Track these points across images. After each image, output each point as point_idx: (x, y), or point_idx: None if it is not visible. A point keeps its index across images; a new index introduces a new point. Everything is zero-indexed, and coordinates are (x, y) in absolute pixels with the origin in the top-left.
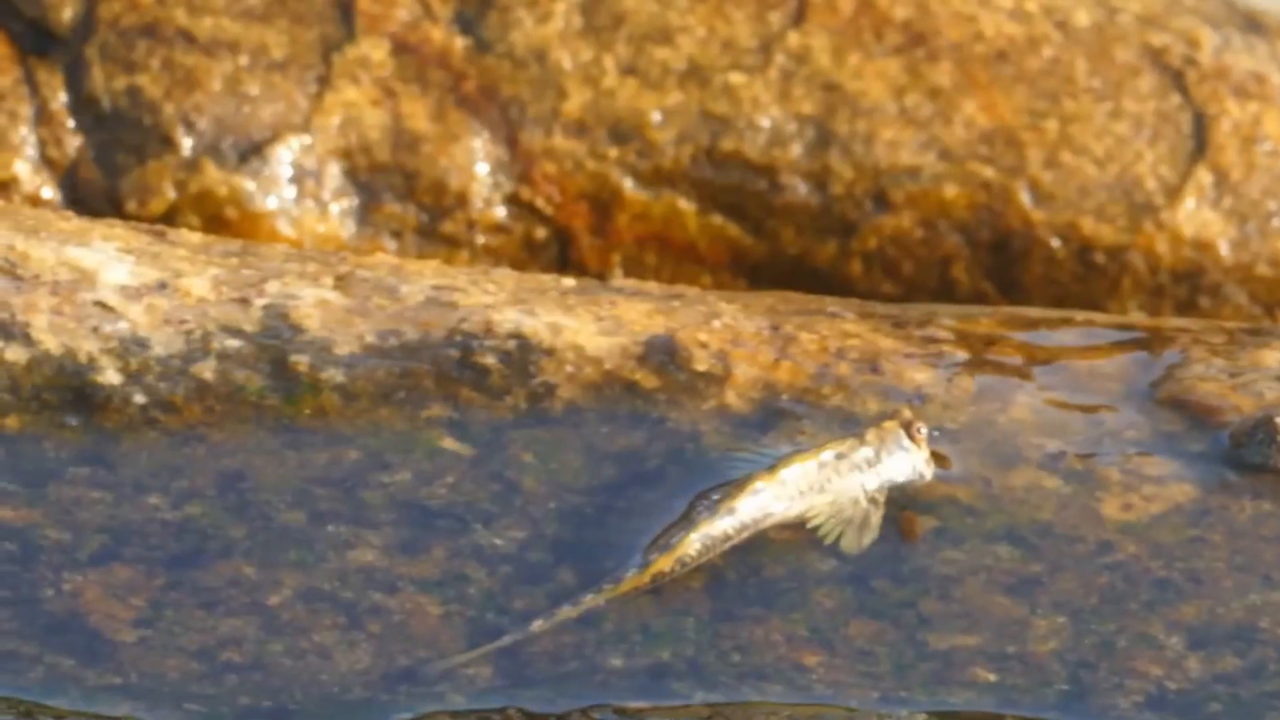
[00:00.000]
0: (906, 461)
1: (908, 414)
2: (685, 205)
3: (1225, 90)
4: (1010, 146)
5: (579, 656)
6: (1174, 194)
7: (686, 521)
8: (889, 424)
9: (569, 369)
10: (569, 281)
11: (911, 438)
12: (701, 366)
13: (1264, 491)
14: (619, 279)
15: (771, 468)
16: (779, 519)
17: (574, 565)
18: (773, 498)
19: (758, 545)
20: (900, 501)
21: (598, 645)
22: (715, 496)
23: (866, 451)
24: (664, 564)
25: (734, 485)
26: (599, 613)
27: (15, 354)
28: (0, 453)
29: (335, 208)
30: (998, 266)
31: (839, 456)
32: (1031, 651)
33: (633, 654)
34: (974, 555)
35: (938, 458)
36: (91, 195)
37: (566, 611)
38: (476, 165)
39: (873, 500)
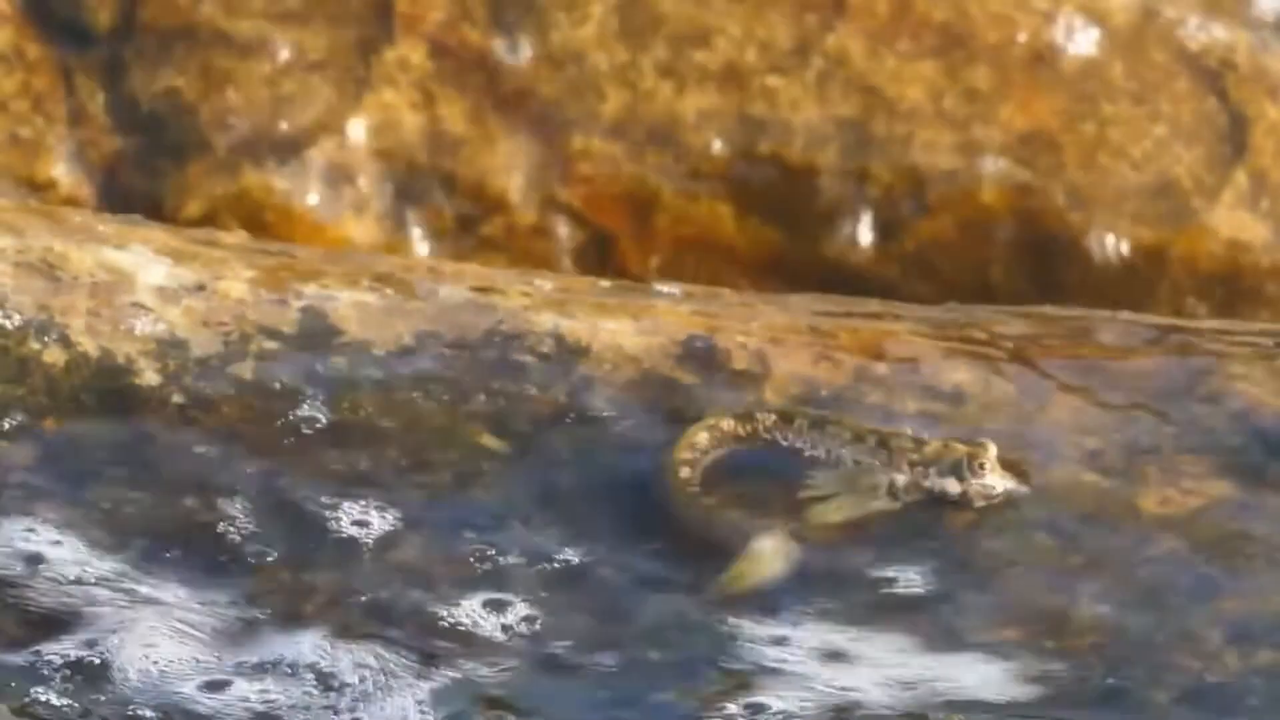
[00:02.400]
0: (951, 487)
1: (980, 450)
2: (723, 208)
3: (1263, 92)
4: (1048, 149)
5: (617, 651)
6: (1212, 196)
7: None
8: (956, 447)
9: (607, 369)
10: (607, 283)
11: (969, 470)
12: (740, 366)
13: None
14: (657, 281)
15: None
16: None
17: (613, 562)
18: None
19: (795, 541)
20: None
21: (636, 640)
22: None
23: (913, 456)
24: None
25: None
26: (638, 609)
27: (54, 355)
28: (39, 453)
29: (372, 209)
30: (1036, 269)
31: (880, 442)
32: (1070, 645)
33: (670, 648)
34: (1012, 549)
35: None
36: (130, 197)
37: None
38: (514, 168)
39: (891, 494)
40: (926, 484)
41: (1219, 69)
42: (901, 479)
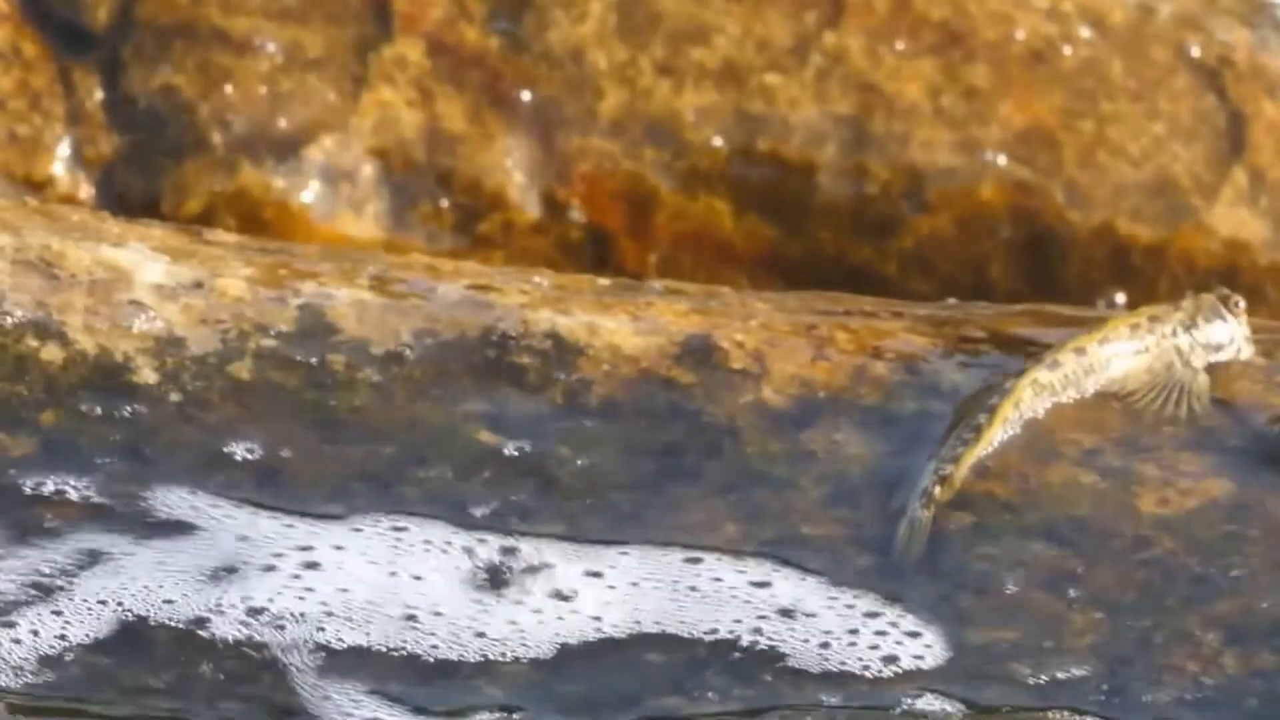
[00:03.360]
0: (1224, 331)
1: (1224, 290)
2: (721, 205)
3: (1261, 90)
4: (1046, 147)
5: (616, 651)
6: (1210, 194)
7: (1013, 375)
8: (1205, 295)
9: (605, 368)
10: (605, 281)
11: (1229, 310)
12: (738, 365)
13: None
14: (655, 279)
15: (1090, 332)
16: (1098, 380)
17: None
18: (1093, 359)
19: (793, 540)
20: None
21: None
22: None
23: (1181, 316)
24: (1006, 410)
25: (1053, 347)
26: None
27: (51, 353)
28: (37, 450)
29: (371, 207)
30: (1034, 267)
31: (1153, 320)
32: (1068, 647)
33: (670, 649)
34: (1011, 551)
35: None
36: (128, 195)
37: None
38: (512, 166)
39: (1188, 364)
40: (1203, 338)
41: (1217, 66)
42: (1184, 341)
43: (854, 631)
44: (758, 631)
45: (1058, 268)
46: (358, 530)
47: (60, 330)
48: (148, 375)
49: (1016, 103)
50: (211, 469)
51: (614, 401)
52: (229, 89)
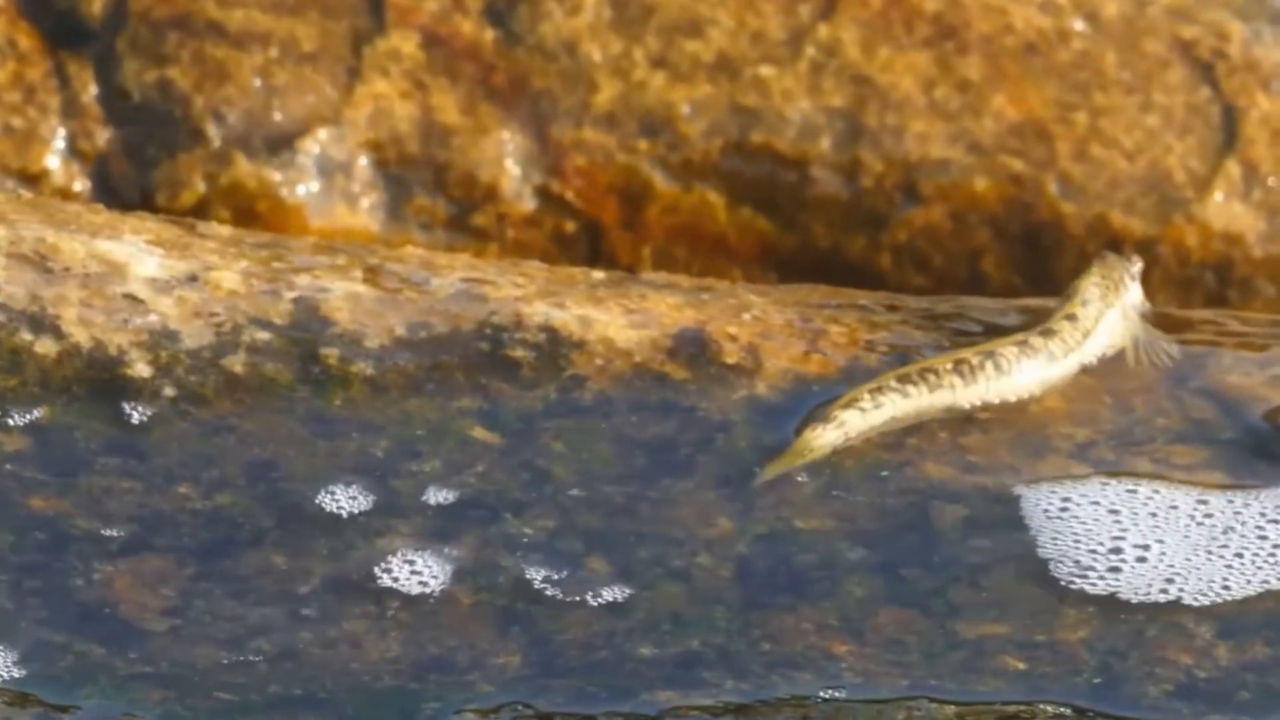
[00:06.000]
0: (1139, 293)
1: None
2: (715, 198)
3: (1255, 83)
4: (1040, 139)
5: (609, 645)
6: (1203, 187)
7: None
8: (1114, 258)
9: (599, 362)
10: (599, 274)
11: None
12: (731, 359)
13: None
14: (649, 272)
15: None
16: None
17: (604, 554)
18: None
19: (786, 534)
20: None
21: (628, 634)
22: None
23: (1121, 274)
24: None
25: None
26: (630, 602)
27: (46, 347)
28: (31, 444)
29: (365, 200)
30: (1028, 260)
31: (1105, 274)
32: (1061, 640)
33: (663, 643)
34: (1003, 544)
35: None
36: (122, 188)
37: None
38: (506, 158)
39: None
40: (1134, 297)
41: (1211, 60)
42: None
43: None
44: None
45: (1051, 261)
46: None
47: (54, 324)
48: (141, 369)
49: (1010, 95)
50: (204, 462)
51: (607, 395)
52: (223, 82)
